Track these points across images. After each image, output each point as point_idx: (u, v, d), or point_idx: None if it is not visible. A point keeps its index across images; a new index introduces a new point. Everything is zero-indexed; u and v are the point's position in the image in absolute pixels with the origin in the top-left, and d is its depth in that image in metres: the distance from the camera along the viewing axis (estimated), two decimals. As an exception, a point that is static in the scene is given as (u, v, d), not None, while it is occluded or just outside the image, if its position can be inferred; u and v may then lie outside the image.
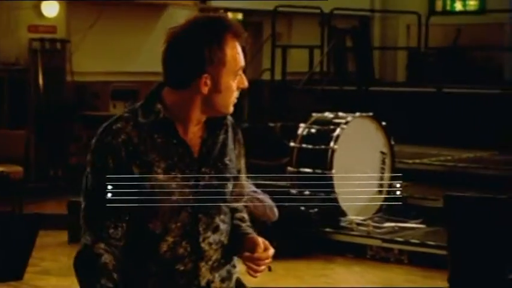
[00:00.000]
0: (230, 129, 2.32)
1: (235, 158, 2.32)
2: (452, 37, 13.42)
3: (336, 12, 11.15)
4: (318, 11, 10.82)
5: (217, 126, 2.27)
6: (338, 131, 6.87)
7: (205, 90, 2.19)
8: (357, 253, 6.54)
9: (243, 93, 2.27)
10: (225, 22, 2.20)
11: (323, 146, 6.82)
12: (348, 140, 6.93)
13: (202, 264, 2.23)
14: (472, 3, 12.95)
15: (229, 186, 2.28)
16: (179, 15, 10.33)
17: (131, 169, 2.16)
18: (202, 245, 2.22)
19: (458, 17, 13.33)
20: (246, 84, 2.23)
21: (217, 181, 2.24)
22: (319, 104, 9.67)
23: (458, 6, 13.18)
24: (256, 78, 11.25)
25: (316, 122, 7.05)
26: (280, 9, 10.71)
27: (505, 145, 8.56)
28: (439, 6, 13.23)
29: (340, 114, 7.16)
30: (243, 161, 2.37)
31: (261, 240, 2.24)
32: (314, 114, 7.18)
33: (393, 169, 7.24)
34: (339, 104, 8.89)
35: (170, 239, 2.20)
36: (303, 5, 10.91)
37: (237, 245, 2.28)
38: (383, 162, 7.22)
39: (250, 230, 2.33)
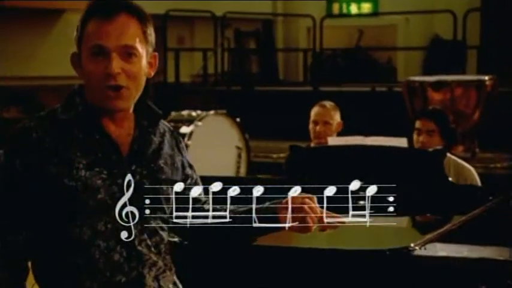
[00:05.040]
0: (168, 135, 2.20)
1: (177, 167, 2.19)
2: (355, 38, 14.04)
3: (229, 15, 11.67)
4: (209, 14, 11.33)
5: (150, 125, 2.15)
6: (192, 127, 7.35)
7: (79, 72, 2.10)
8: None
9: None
10: (96, 2, 2.09)
11: (178, 143, 7.29)
12: (202, 136, 7.41)
13: (146, 271, 2.08)
14: (366, 5, 13.55)
15: (165, 190, 2.10)
16: (76, 20, 10.79)
17: (47, 169, 2.02)
18: (140, 248, 2.06)
19: (360, 20, 13.94)
20: (110, 69, 2.03)
21: (151, 181, 2.09)
22: (208, 104, 10.19)
23: (354, 9, 13.78)
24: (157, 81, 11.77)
25: (173, 120, 7.52)
26: (174, 13, 11.19)
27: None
28: (336, 9, 13.81)
29: (198, 112, 7.65)
30: (191, 171, 2.24)
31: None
32: (172, 113, 7.66)
33: (249, 163, 7.75)
34: (226, 104, 9.42)
35: (102, 244, 2.04)
36: (194, 9, 11.40)
37: (272, 223, 2.04)
38: (239, 156, 7.71)
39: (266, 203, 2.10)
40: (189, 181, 2.22)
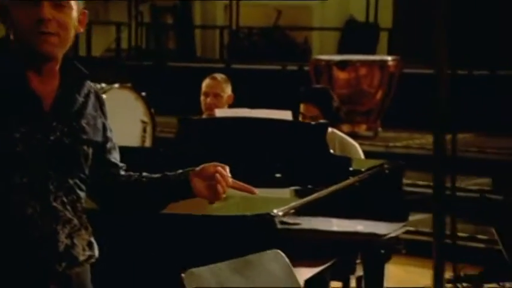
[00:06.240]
0: (93, 96, 2.22)
1: (99, 128, 2.20)
2: (273, 18, 14.11)
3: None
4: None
5: (75, 83, 2.17)
6: (95, 100, 7.28)
7: (7, 23, 2.11)
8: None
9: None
10: None
11: (80, 114, 7.22)
12: (106, 109, 7.35)
13: (60, 227, 2.09)
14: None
15: (85, 150, 2.15)
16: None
17: None
18: (55, 204, 2.07)
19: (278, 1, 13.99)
20: (42, 15, 2.04)
21: (71, 140, 2.11)
22: (120, 79, 10.11)
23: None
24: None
25: (77, 92, 7.44)
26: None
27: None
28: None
29: (102, 84, 7.57)
30: (111, 134, 2.26)
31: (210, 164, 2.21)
32: (76, 85, 7.57)
33: (155, 137, 7.74)
34: (139, 79, 9.36)
35: (16, 197, 2.04)
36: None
37: (183, 190, 2.19)
38: (144, 131, 7.68)
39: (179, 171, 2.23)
40: (109, 144, 2.26)
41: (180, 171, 2.24)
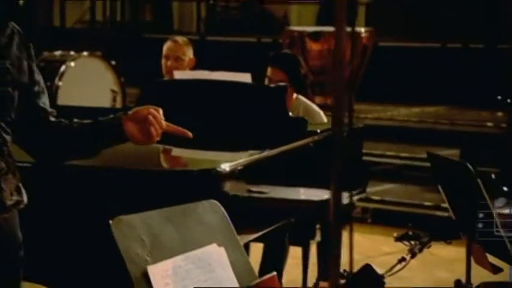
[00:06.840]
0: (17, 37, 2.13)
1: (24, 70, 2.13)
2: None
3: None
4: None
5: None
6: (63, 68, 7.20)
7: None
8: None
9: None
10: None
11: (48, 83, 7.14)
12: (75, 77, 7.27)
13: None
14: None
15: (10, 92, 2.08)
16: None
17: None
18: None
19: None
20: None
21: None
22: (94, 50, 10.02)
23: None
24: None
25: (45, 60, 7.35)
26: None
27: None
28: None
29: (71, 52, 7.49)
30: (39, 78, 2.21)
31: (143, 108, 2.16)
32: (45, 53, 7.48)
33: (125, 106, 7.67)
34: (113, 50, 9.26)
35: None
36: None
37: (116, 134, 2.15)
38: (114, 100, 7.61)
39: (111, 116, 2.20)
40: (36, 87, 2.18)
41: (112, 115, 2.18)
